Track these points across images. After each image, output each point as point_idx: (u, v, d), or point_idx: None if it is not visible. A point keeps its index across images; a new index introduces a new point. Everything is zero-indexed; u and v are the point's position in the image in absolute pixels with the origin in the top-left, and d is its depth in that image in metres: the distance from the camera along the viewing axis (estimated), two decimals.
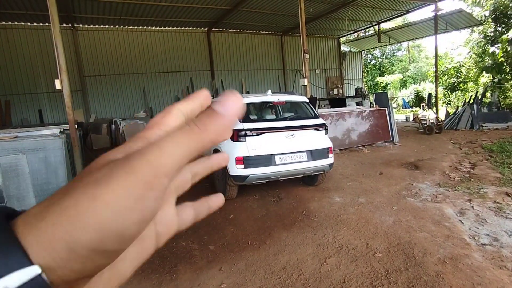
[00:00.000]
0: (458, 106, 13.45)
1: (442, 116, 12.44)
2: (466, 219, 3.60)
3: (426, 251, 2.90)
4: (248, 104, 4.55)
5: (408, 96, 23.01)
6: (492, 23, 15.24)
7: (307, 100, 5.11)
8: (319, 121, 4.76)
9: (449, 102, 18.48)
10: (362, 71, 20.74)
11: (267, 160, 4.16)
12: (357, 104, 12.62)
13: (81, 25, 12.49)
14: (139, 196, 0.21)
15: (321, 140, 4.62)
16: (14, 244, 0.19)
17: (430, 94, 12.49)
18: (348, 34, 18.42)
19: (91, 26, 12.70)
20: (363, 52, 20.89)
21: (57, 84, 5.54)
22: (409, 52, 29.09)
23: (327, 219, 3.76)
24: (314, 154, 4.47)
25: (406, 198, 4.37)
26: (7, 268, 0.18)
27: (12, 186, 4.02)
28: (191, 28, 14.26)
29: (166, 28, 13.86)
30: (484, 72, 14.98)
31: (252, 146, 4.12)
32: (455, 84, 18.04)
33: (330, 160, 4.64)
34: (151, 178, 0.22)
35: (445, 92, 18.84)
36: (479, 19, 14.99)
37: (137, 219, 0.22)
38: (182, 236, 3.49)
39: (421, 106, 18.60)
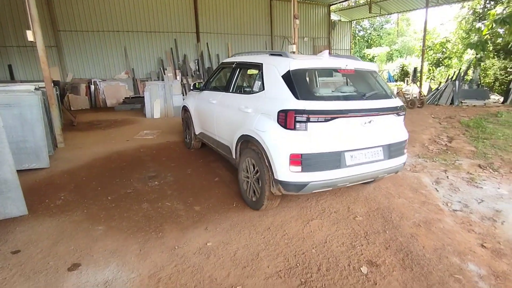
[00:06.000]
0: (440, 82, 13.68)
1: (425, 91, 12.66)
2: (441, 188, 3.80)
3: (403, 216, 3.06)
4: (306, 72, 3.15)
5: (394, 70, 23.11)
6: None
7: (377, 70, 3.54)
8: (397, 102, 3.21)
9: (432, 78, 18.75)
10: (350, 42, 20.47)
11: (335, 159, 2.76)
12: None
13: None
14: None
15: (399, 130, 3.24)
16: None
17: (415, 69, 12.59)
18: (339, 2, 17.88)
19: None
20: (352, 22, 20.46)
21: (29, 36, 5.12)
22: (398, 25, 28.78)
23: None
24: (391, 150, 3.09)
25: None
26: None
27: None
28: None
29: None
30: (468, 49, 15.14)
31: (317, 137, 2.70)
32: (440, 59, 18.20)
33: (404, 157, 3.33)
34: None
35: (430, 67, 19.04)
36: None
37: None
38: (167, 197, 3.50)
39: (405, 80, 18.80)
